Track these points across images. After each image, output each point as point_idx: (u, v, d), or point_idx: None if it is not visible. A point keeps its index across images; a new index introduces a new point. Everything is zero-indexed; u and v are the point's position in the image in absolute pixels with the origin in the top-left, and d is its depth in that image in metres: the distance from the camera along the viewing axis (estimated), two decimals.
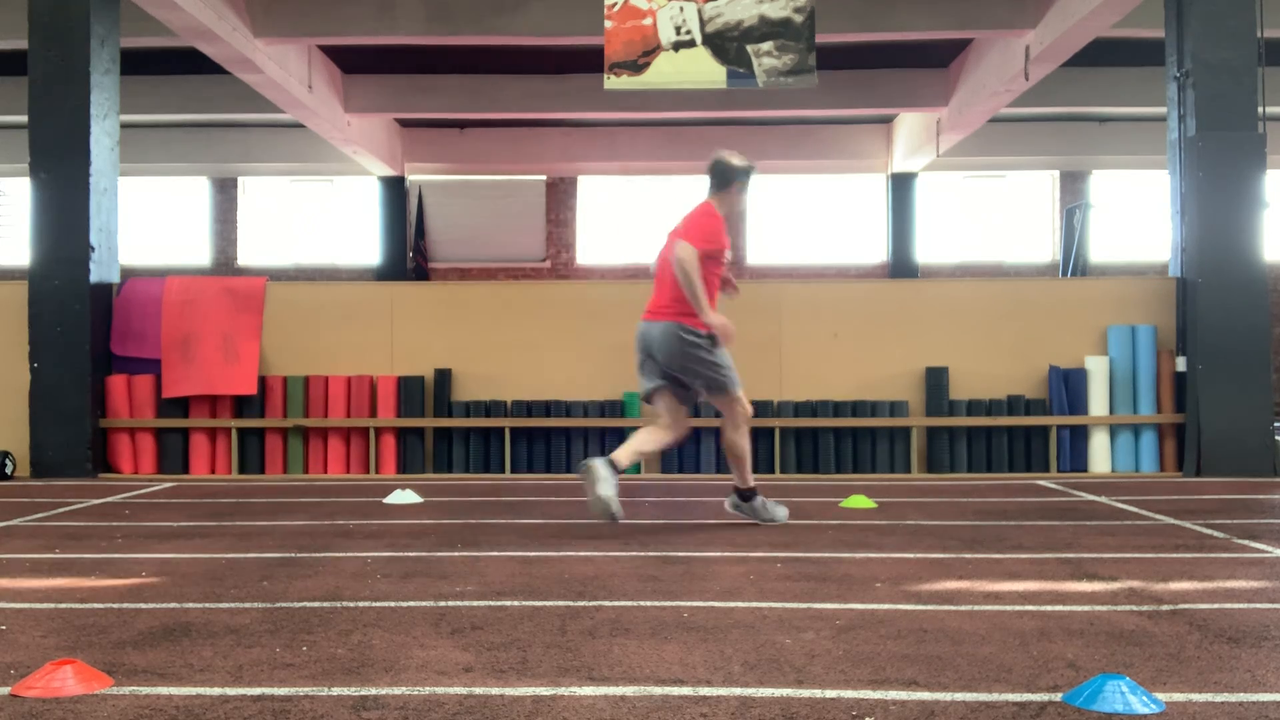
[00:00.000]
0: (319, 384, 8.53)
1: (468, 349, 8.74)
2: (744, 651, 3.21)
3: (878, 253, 17.08)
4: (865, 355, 8.61)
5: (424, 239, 17.00)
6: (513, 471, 8.51)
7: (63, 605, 3.89)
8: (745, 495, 5.76)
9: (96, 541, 5.32)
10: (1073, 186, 17.01)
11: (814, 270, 16.86)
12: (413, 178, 16.94)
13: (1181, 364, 8.25)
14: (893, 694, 2.80)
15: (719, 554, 4.86)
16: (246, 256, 17.34)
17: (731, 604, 3.84)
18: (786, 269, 16.88)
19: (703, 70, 9.20)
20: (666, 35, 9.17)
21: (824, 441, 8.43)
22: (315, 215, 17.47)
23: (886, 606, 3.79)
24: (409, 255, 16.78)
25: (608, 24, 9.20)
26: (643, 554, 4.86)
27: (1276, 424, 8.33)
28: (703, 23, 9.17)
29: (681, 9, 9.18)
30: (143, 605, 3.87)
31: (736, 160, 5.81)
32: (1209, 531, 5.43)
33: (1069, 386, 8.44)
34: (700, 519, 6.02)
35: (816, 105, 13.51)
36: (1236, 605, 3.78)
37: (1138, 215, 16.88)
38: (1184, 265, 8.28)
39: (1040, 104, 13.58)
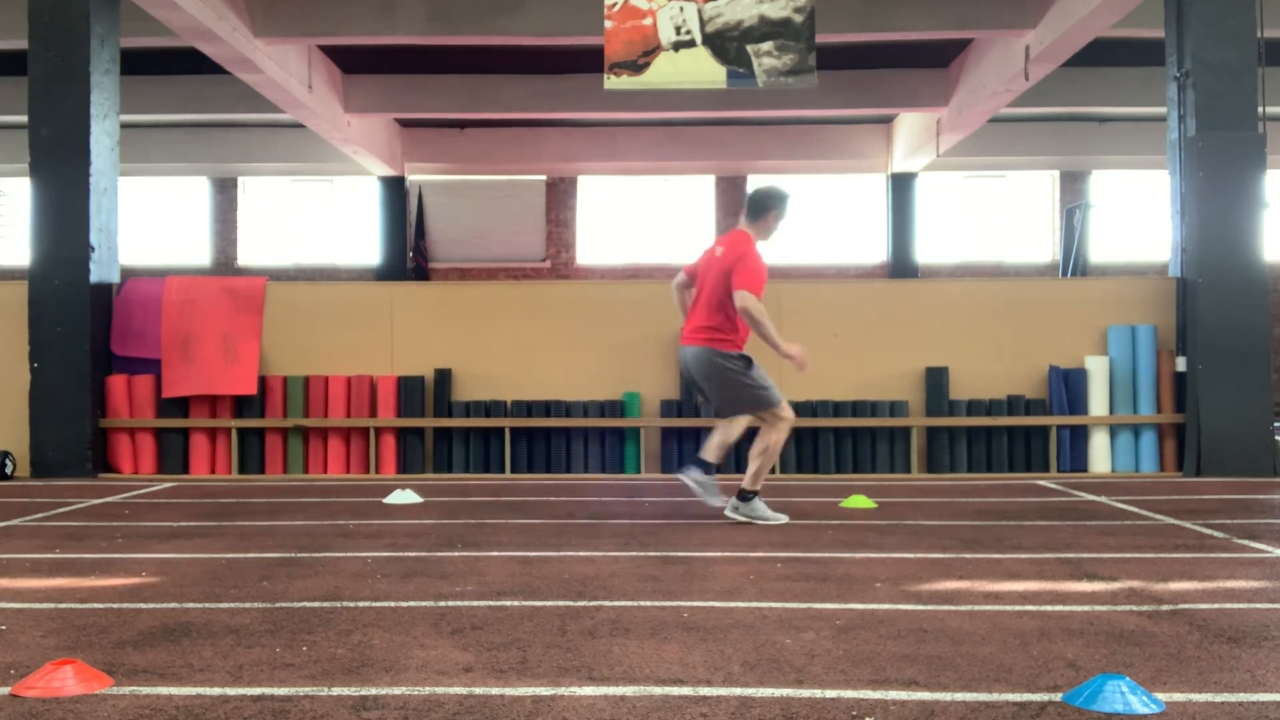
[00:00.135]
0: (319, 384, 8.54)
1: (468, 349, 8.74)
2: (744, 651, 3.21)
3: (878, 253, 17.08)
4: (865, 355, 8.61)
5: (424, 239, 17.00)
6: (513, 471, 8.51)
7: (63, 605, 3.89)
8: (745, 496, 5.80)
9: (96, 541, 5.32)
10: (1073, 186, 17.01)
11: (814, 270, 16.86)
12: (413, 178, 16.94)
13: (1181, 364, 8.25)
14: (893, 694, 2.80)
15: (719, 554, 4.86)
16: (246, 256, 17.34)
17: (731, 604, 3.84)
18: (786, 269, 16.87)
19: (703, 70, 9.20)
20: (666, 35, 9.17)
21: (824, 441, 8.43)
22: (315, 215, 17.47)
23: (886, 606, 3.79)
24: (409, 255, 16.78)
25: (608, 24, 9.20)
26: (643, 554, 4.86)
27: (1276, 424, 8.33)
28: (703, 23, 9.17)
29: (681, 9, 9.18)
30: (143, 605, 3.87)
31: (774, 190, 5.95)
32: (1209, 531, 5.43)
33: (1069, 386, 8.44)
34: (700, 519, 6.02)
35: (816, 105, 13.51)
36: (1236, 605, 3.78)
37: (1138, 215, 16.88)
38: (1184, 265, 8.28)
39: (1040, 104, 13.58)
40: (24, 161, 8.78)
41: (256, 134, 16.11)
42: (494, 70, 13.39)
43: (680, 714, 2.65)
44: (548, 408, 8.51)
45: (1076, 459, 8.46)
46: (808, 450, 8.47)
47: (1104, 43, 11.24)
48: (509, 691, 2.83)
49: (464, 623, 3.58)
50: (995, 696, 2.77)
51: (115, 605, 3.88)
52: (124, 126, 11.31)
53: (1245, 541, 5.12)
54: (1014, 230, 17.23)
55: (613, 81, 9.22)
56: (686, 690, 2.84)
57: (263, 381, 8.57)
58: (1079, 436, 8.47)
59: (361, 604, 3.88)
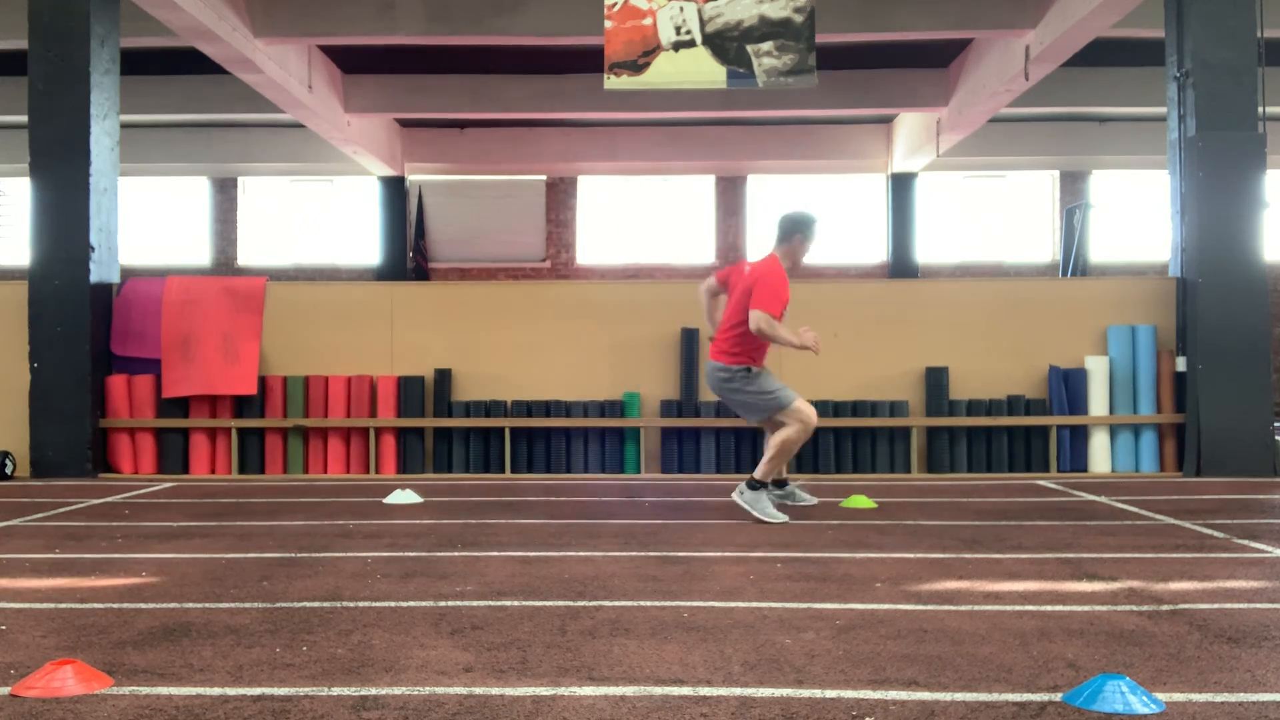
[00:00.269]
0: (319, 384, 8.54)
1: (468, 349, 8.74)
2: (744, 651, 3.21)
3: (878, 253, 17.08)
4: (865, 355, 8.61)
5: (424, 239, 17.00)
6: (513, 471, 8.51)
7: (63, 605, 3.89)
8: (753, 485, 5.90)
9: (96, 541, 5.32)
10: (1073, 186, 17.01)
11: (814, 270, 16.85)
12: (413, 178, 16.94)
13: (1181, 364, 8.25)
14: (893, 694, 2.80)
15: (719, 554, 4.86)
16: (246, 256, 17.33)
17: (731, 604, 3.84)
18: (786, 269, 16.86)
19: (703, 70, 9.19)
20: (666, 35, 9.17)
21: (824, 441, 8.43)
22: (315, 215, 17.46)
23: (886, 606, 3.79)
24: (409, 255, 16.78)
25: (608, 24, 9.20)
26: (643, 554, 4.86)
27: (1276, 424, 8.33)
28: (703, 23, 9.17)
29: (681, 9, 9.18)
30: (143, 605, 3.87)
31: (798, 214, 6.17)
32: (1209, 531, 5.43)
33: (1069, 386, 8.44)
34: (700, 519, 6.02)
35: (816, 105, 13.51)
36: (1236, 605, 3.78)
37: (1138, 215, 16.88)
38: (1184, 265, 8.28)
39: (1040, 104, 13.57)
40: (24, 161, 8.78)
41: (256, 134, 16.11)
42: (494, 70, 13.39)
43: (680, 714, 2.65)
44: (548, 408, 8.51)
45: (1076, 459, 8.46)
46: (808, 450, 8.46)
47: (1104, 43, 11.23)
48: (509, 691, 2.83)
49: (464, 623, 3.58)
50: (995, 696, 2.77)
51: (115, 605, 3.88)
52: (124, 126, 11.31)
53: (1245, 541, 5.12)
54: (1014, 230, 17.23)
55: (613, 81, 9.22)
56: (686, 690, 2.84)
57: (263, 381, 8.57)
58: (1079, 436, 8.47)
59: (361, 604, 3.88)
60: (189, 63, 11.67)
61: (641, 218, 17.32)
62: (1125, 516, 6.01)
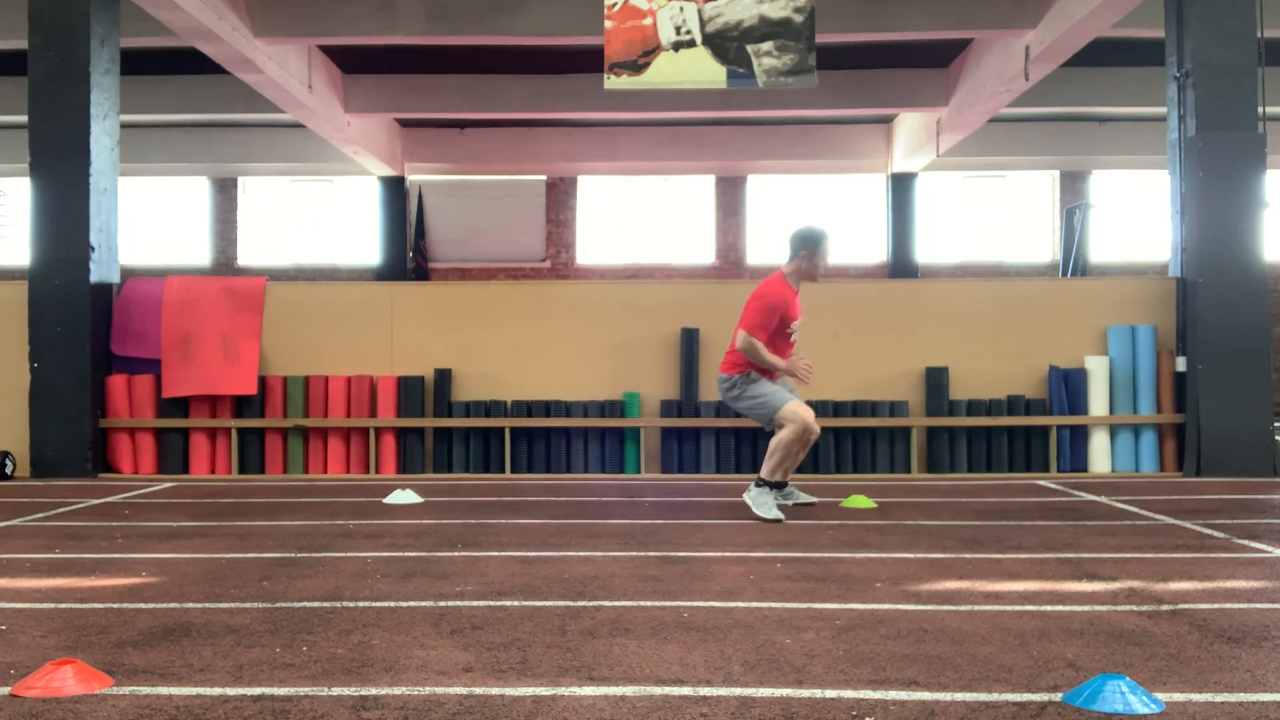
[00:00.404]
0: (319, 384, 8.53)
1: (468, 349, 8.74)
2: (744, 651, 3.21)
3: (878, 253, 17.08)
4: (865, 355, 8.61)
5: (424, 239, 17.00)
6: (513, 471, 8.51)
7: (63, 605, 3.89)
8: (760, 484, 6.00)
9: (96, 541, 5.32)
10: (1073, 186, 17.01)
11: None
12: (413, 178, 16.94)
13: (1181, 364, 8.25)
14: (893, 694, 2.80)
15: (719, 554, 4.86)
16: (246, 256, 17.33)
17: (731, 604, 3.84)
18: None
19: (703, 70, 9.19)
20: (666, 35, 9.17)
21: (824, 441, 8.42)
22: (315, 215, 17.46)
23: (886, 606, 3.79)
24: (409, 255, 16.78)
25: (608, 24, 9.20)
26: (643, 554, 4.86)
27: (1276, 424, 8.33)
28: (703, 23, 9.17)
29: (681, 9, 9.18)
30: (143, 605, 3.87)
31: (805, 229, 6.25)
32: (1209, 531, 5.43)
33: (1069, 386, 8.44)
34: (700, 519, 6.02)
35: (816, 105, 13.51)
36: (1236, 605, 3.78)
37: (1138, 215, 16.88)
38: (1184, 265, 8.28)
39: (1040, 104, 13.58)
40: (24, 161, 8.78)
41: (256, 134, 16.11)
42: (494, 70, 13.39)
43: (680, 714, 2.65)
44: (548, 408, 8.51)
45: (1076, 459, 8.46)
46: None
47: (1104, 43, 11.23)
48: (509, 691, 2.83)
49: (464, 623, 3.58)
50: (995, 696, 2.77)
51: (115, 605, 3.88)
52: (124, 126, 11.32)
53: (1245, 541, 5.12)
54: (1014, 230, 17.23)
55: (613, 81, 9.22)
56: (686, 690, 2.84)
57: (263, 381, 8.57)
58: (1079, 436, 8.47)
59: (361, 604, 3.88)
60: (189, 63, 11.67)
61: (641, 218, 17.32)
62: (1125, 516, 6.01)
